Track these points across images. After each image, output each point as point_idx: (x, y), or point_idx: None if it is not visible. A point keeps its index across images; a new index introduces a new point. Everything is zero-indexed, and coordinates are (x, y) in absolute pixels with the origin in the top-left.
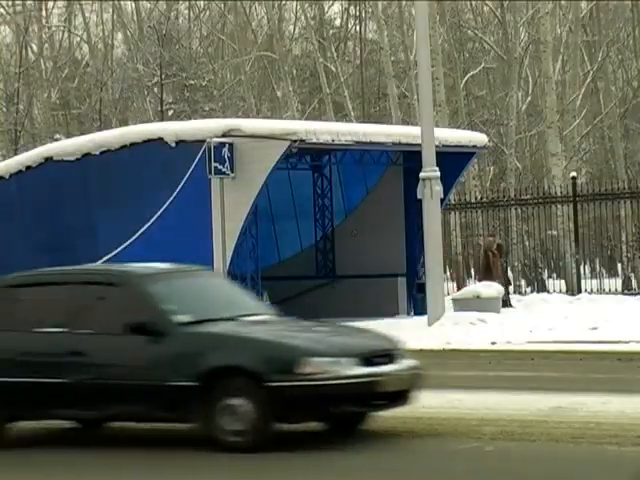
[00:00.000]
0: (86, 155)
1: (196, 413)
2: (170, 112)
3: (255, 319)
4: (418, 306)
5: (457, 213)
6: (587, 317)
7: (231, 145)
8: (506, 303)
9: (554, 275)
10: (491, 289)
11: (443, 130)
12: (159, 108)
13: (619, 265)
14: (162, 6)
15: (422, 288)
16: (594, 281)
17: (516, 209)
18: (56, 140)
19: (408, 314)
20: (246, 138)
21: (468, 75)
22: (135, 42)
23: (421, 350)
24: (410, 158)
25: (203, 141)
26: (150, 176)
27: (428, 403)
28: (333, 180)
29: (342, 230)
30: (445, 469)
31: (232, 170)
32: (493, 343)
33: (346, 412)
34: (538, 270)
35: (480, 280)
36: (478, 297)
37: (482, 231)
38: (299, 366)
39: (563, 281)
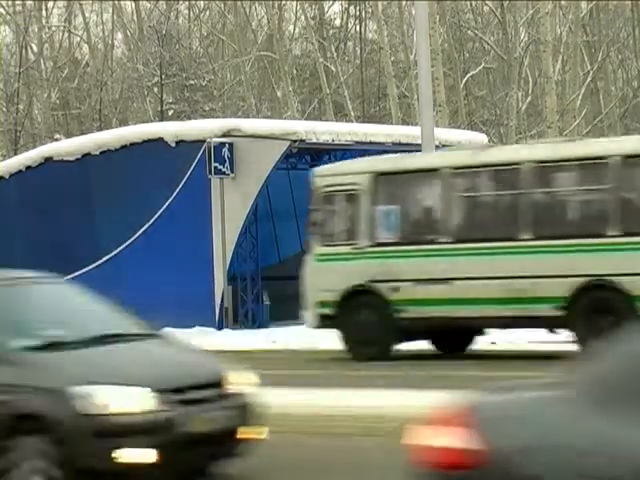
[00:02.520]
0: (86, 155)
1: None
2: (170, 112)
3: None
4: None
5: None
6: None
7: (231, 145)
8: None
9: None
10: None
11: (443, 130)
12: (159, 108)
13: None
14: (162, 6)
15: None
16: None
17: None
18: (56, 140)
19: None
20: (246, 138)
21: (468, 75)
22: (135, 42)
23: (420, 350)
24: None
25: (203, 141)
26: (150, 176)
27: (428, 403)
28: None
29: None
30: None
31: (232, 170)
32: (493, 343)
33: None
34: None
35: None
36: None
37: None
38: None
39: None
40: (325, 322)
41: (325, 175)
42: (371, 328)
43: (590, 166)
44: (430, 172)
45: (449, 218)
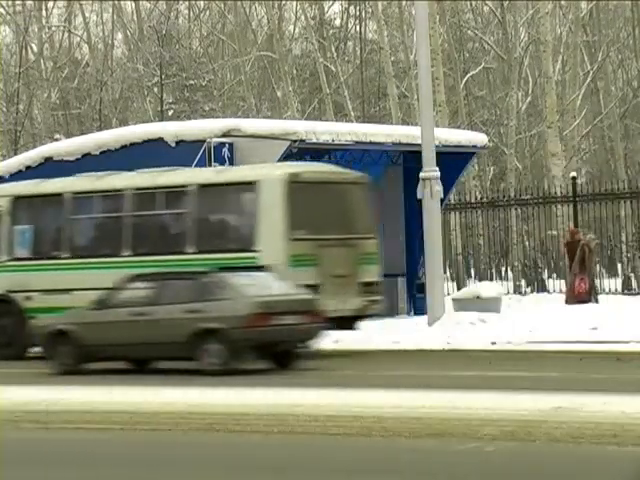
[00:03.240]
0: (86, 155)
1: None
2: (170, 112)
3: None
4: (418, 306)
5: (457, 213)
6: (587, 317)
7: (231, 145)
8: (594, 299)
9: (554, 275)
10: (491, 289)
11: (443, 130)
12: (159, 108)
13: (619, 265)
14: (162, 6)
15: (422, 288)
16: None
17: (516, 209)
18: (56, 140)
19: (408, 314)
20: (246, 138)
21: (468, 75)
22: (135, 42)
23: (421, 350)
24: (410, 158)
25: (203, 141)
26: None
27: (428, 403)
28: None
29: None
30: (445, 469)
31: None
32: (493, 343)
33: None
34: (538, 270)
35: (575, 273)
36: (478, 297)
37: (564, 226)
38: None
39: (563, 281)
40: None
41: None
42: (9, 332)
43: (172, 193)
44: (56, 196)
45: (69, 237)
